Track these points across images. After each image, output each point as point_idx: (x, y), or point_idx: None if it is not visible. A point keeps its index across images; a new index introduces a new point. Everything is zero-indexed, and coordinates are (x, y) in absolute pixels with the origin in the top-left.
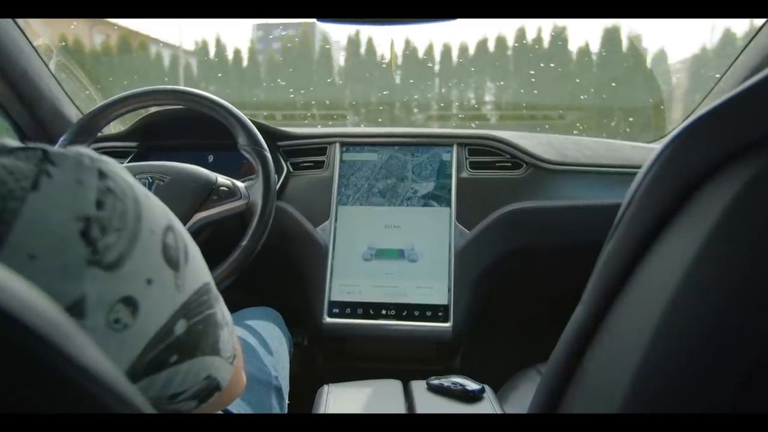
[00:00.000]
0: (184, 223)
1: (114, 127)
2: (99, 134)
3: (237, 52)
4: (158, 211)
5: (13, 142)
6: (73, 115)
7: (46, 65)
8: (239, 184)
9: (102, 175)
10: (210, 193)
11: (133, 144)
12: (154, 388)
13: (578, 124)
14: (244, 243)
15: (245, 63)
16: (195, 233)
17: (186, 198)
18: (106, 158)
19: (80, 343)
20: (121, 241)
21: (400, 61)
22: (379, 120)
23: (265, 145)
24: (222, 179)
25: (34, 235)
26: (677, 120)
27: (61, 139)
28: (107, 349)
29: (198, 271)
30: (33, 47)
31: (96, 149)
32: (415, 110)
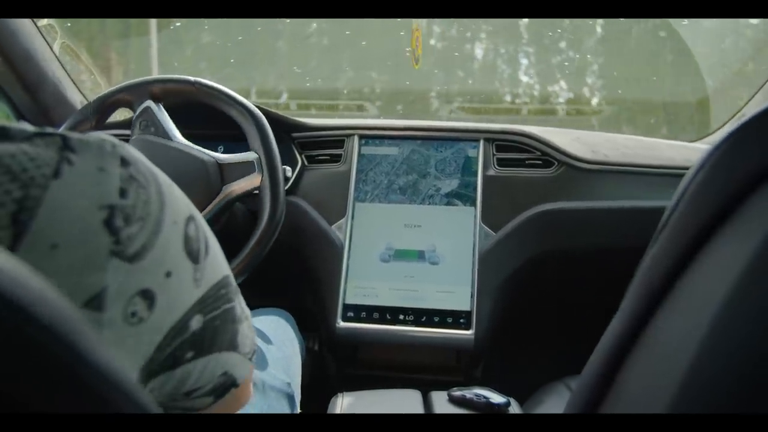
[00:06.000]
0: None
1: (119, 115)
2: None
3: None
4: (180, 201)
5: (31, 127)
6: (77, 101)
7: (50, 47)
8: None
9: (124, 162)
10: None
11: None
12: (169, 384)
13: (613, 120)
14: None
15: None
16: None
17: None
18: (127, 145)
19: (94, 341)
20: (144, 231)
21: (424, 49)
22: (401, 111)
23: (245, 100)
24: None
25: (57, 224)
26: (722, 118)
27: (63, 126)
28: (123, 344)
29: (217, 265)
30: (37, 27)
31: None
32: (439, 102)
